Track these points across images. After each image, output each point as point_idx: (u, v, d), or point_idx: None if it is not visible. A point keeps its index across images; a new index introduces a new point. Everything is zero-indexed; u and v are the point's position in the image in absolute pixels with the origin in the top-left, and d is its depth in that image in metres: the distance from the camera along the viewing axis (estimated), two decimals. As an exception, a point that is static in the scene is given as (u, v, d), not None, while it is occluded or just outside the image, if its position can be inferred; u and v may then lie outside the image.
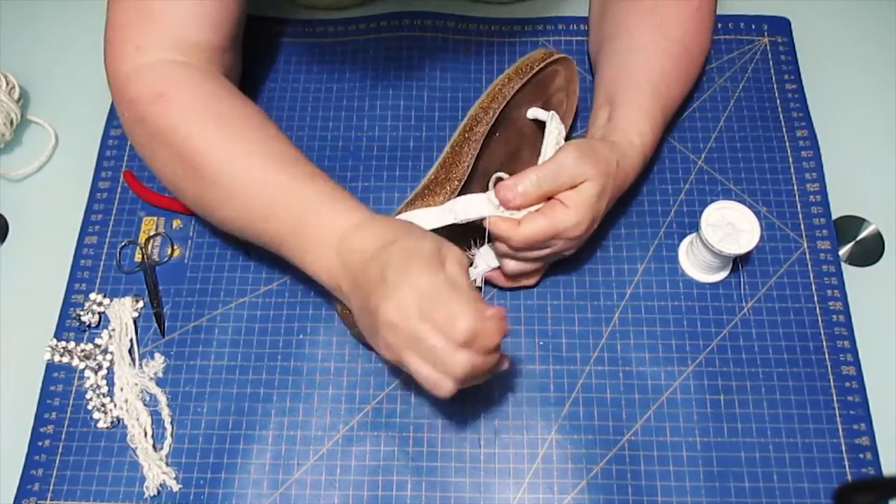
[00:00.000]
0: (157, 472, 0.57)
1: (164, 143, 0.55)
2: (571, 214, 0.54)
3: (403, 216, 0.57)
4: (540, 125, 0.61)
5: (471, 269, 0.60)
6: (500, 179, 0.58)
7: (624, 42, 0.64)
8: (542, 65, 0.62)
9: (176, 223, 0.67)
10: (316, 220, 0.52)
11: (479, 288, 0.61)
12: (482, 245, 0.60)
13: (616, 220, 0.66)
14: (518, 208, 0.55)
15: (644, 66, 0.62)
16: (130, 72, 0.57)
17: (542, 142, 0.59)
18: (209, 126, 0.54)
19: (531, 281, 0.62)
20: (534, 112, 0.62)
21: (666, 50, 0.62)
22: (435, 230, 0.55)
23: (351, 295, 0.50)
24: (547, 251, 0.56)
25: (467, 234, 0.59)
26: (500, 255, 0.59)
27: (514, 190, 0.54)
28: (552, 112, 0.60)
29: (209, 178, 0.54)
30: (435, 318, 0.46)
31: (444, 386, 0.47)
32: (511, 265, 0.59)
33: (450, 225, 0.56)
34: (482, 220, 0.55)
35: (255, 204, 0.53)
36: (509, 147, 0.61)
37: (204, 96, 0.56)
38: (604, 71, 0.64)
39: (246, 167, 0.53)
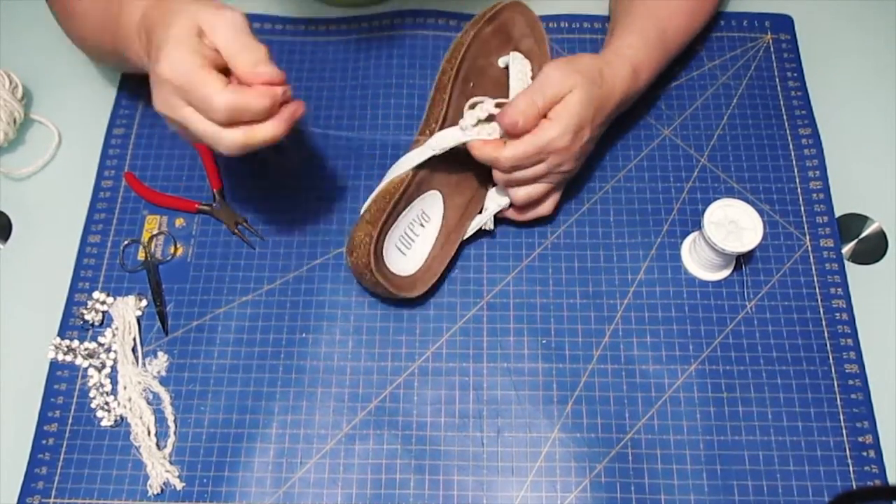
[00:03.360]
0: (160, 470, 0.58)
1: (61, 17, 0.66)
2: (554, 125, 0.56)
3: (391, 168, 0.62)
4: None
5: (480, 215, 0.64)
6: (473, 105, 0.61)
7: None
8: (492, 12, 0.64)
9: (179, 222, 0.67)
10: (125, 21, 0.55)
11: (490, 231, 0.65)
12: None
13: (619, 218, 0.66)
14: (522, 131, 0.57)
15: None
16: None
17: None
18: None
19: (545, 208, 0.63)
20: (504, 59, 0.65)
21: None
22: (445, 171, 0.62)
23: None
24: (542, 168, 0.58)
25: (483, 182, 0.64)
26: (502, 184, 0.61)
27: (515, 111, 0.56)
28: (514, 52, 0.65)
29: (77, 24, 0.63)
30: (191, 102, 0.49)
31: (224, 139, 0.49)
32: (520, 193, 0.60)
33: (462, 172, 0.63)
34: (461, 146, 0.59)
35: (101, 30, 0.60)
36: (489, 96, 0.62)
37: None
38: (612, 13, 0.69)
39: (88, 5, 0.60)
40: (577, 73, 0.57)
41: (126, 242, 0.66)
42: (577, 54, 0.61)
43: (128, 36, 0.55)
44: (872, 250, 0.65)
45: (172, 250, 0.66)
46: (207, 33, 0.49)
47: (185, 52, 0.48)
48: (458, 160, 0.61)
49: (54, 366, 0.62)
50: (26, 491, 0.58)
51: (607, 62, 0.60)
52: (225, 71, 0.50)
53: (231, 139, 0.49)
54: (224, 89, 0.48)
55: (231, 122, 0.49)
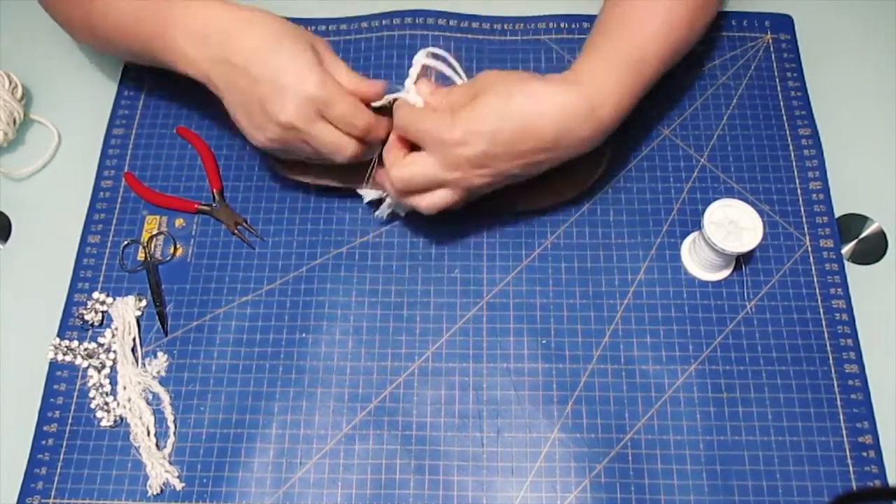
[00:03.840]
0: (160, 470, 0.58)
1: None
2: (446, 120, 0.53)
3: None
4: None
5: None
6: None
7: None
8: None
9: (179, 222, 0.67)
10: (177, 17, 0.56)
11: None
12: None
13: (618, 219, 0.66)
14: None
15: (613, 12, 0.60)
16: None
17: None
18: None
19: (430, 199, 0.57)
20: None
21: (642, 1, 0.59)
22: None
23: (227, 91, 0.56)
24: (427, 160, 0.54)
25: None
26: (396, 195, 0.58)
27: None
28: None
29: (87, 3, 0.61)
30: (332, 115, 0.54)
31: (347, 148, 0.56)
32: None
33: None
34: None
35: (125, 13, 0.59)
36: None
37: None
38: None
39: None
40: (498, 80, 0.54)
41: (126, 242, 0.66)
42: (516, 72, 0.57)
43: (171, 39, 0.56)
44: (872, 250, 0.65)
45: (172, 250, 0.66)
46: (321, 55, 0.55)
47: (323, 72, 0.54)
48: None
49: (54, 366, 0.62)
50: (26, 491, 0.58)
51: (557, 85, 0.54)
52: None
53: (352, 149, 0.56)
54: (365, 108, 0.55)
55: (362, 136, 0.55)
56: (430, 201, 0.57)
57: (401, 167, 0.56)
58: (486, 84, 0.54)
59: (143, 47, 0.59)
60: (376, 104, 0.58)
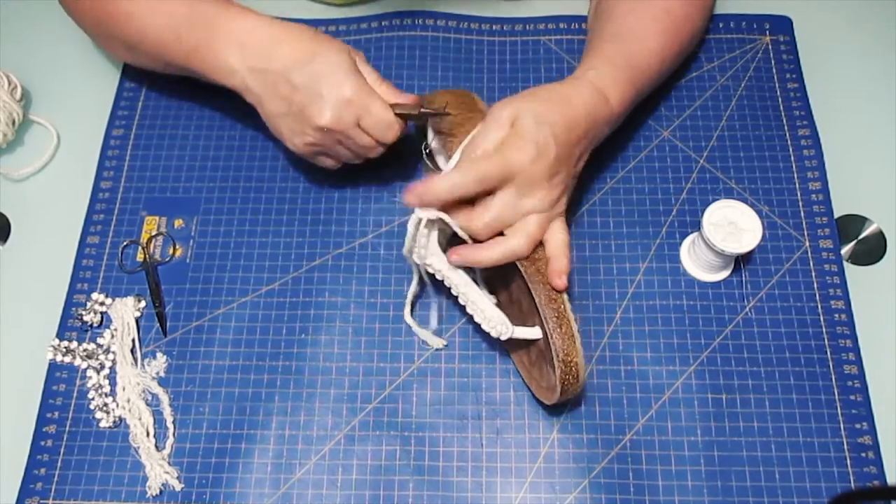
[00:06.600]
0: (159, 471, 0.57)
1: (86, 7, 0.65)
2: (510, 143, 0.54)
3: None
4: None
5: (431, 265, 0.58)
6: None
7: (605, 10, 0.66)
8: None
9: (178, 223, 0.67)
10: (216, 30, 0.59)
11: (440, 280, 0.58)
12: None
13: (618, 219, 0.66)
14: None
15: (613, 24, 0.64)
16: None
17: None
18: None
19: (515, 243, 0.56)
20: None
21: (639, 10, 0.64)
22: None
23: (265, 99, 0.58)
24: (511, 196, 0.54)
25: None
26: (485, 238, 0.56)
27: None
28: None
29: (124, 22, 0.63)
30: (365, 124, 0.58)
31: (374, 151, 0.61)
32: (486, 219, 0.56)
33: None
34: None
35: (164, 31, 0.61)
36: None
37: None
38: (587, 38, 0.67)
39: (150, 6, 0.61)
40: (514, 100, 0.56)
41: (125, 243, 0.66)
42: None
43: (212, 52, 0.59)
44: (871, 251, 0.66)
45: (171, 251, 0.66)
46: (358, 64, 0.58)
47: (359, 78, 0.57)
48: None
49: (53, 367, 0.62)
50: (25, 492, 0.58)
51: (563, 84, 0.58)
52: None
53: (377, 152, 0.61)
54: (395, 119, 0.58)
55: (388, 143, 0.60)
56: (506, 246, 0.55)
57: (483, 212, 0.55)
58: (511, 109, 0.55)
59: (184, 61, 0.61)
60: (405, 111, 0.59)
